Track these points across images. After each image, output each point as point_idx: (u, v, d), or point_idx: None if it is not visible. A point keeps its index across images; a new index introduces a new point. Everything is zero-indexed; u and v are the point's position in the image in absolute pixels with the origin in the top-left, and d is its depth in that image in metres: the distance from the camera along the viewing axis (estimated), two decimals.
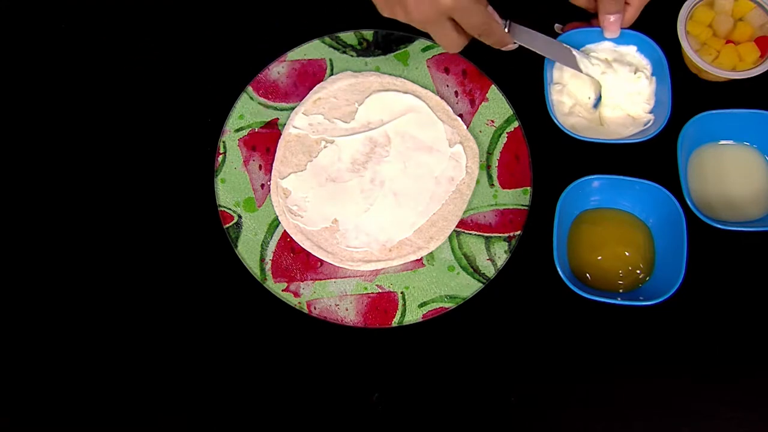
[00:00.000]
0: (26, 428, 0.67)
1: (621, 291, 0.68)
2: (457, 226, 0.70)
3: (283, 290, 0.68)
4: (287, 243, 0.70)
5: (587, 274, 0.68)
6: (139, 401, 0.67)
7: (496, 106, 0.73)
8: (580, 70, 0.70)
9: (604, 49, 0.73)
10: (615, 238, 0.69)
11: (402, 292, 0.68)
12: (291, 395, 0.67)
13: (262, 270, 0.69)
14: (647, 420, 0.65)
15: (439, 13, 0.60)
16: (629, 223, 0.69)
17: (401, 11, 0.61)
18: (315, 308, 0.68)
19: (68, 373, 0.68)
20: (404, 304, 0.68)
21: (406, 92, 0.73)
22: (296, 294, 0.68)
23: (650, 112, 0.71)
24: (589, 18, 0.72)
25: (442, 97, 0.73)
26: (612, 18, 0.68)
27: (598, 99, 0.72)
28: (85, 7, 0.77)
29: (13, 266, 0.71)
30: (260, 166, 0.72)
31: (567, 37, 0.71)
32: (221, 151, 0.72)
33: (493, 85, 0.73)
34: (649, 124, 0.71)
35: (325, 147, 0.72)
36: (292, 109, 0.73)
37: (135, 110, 0.74)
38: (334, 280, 0.69)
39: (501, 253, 0.69)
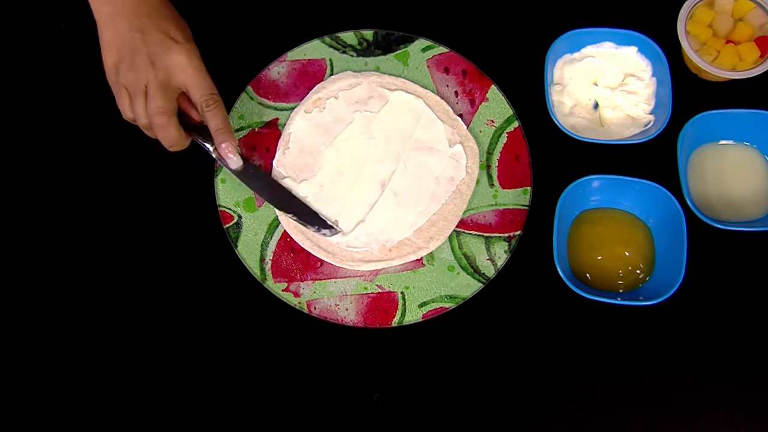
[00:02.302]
0: (26, 428, 0.67)
1: (621, 291, 0.68)
2: (457, 226, 0.70)
3: (283, 290, 0.68)
4: (287, 243, 0.70)
5: (587, 274, 0.68)
6: (140, 402, 0.67)
7: (496, 106, 0.73)
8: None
9: (604, 51, 0.73)
10: (615, 238, 0.69)
11: (402, 292, 0.68)
12: (291, 395, 0.67)
13: (262, 270, 0.69)
14: (647, 420, 0.65)
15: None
16: (629, 223, 0.69)
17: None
18: (315, 308, 0.68)
19: (68, 373, 0.68)
20: (404, 304, 0.68)
21: (406, 92, 0.73)
22: (296, 294, 0.68)
23: (650, 113, 0.71)
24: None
25: (442, 97, 0.73)
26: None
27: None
28: (85, 7, 0.77)
29: (14, 266, 0.71)
30: (260, 166, 0.72)
31: (568, 36, 0.72)
32: None
33: (493, 85, 0.73)
34: (650, 125, 0.71)
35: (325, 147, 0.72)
36: (292, 109, 0.73)
37: None
38: (334, 280, 0.69)
39: (501, 253, 0.69)
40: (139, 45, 0.61)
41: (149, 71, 0.61)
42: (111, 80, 0.63)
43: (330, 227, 0.69)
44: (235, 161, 0.67)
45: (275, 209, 0.70)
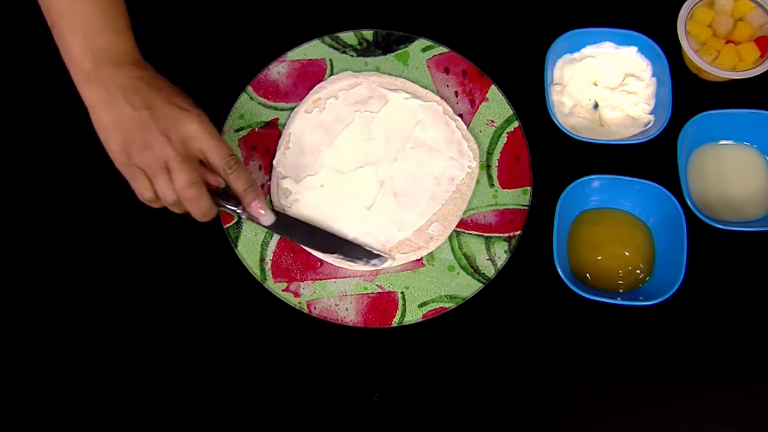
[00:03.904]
0: (26, 428, 0.67)
1: (621, 291, 0.68)
2: (457, 226, 0.70)
3: (283, 290, 0.68)
4: (287, 243, 0.70)
5: (587, 274, 0.68)
6: (140, 401, 0.67)
7: (496, 106, 0.73)
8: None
9: (604, 51, 0.73)
10: (615, 238, 0.69)
11: (402, 292, 0.68)
12: (291, 395, 0.67)
13: (262, 270, 0.69)
14: (647, 420, 0.65)
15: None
16: (629, 223, 0.69)
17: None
18: (315, 308, 0.68)
19: (68, 373, 0.68)
20: (404, 304, 0.68)
21: (406, 92, 0.73)
22: (296, 294, 0.68)
23: (650, 113, 0.71)
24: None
25: (442, 97, 0.73)
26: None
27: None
28: None
29: (13, 267, 0.71)
30: (260, 166, 0.72)
31: (568, 36, 0.72)
32: None
33: (493, 85, 0.73)
34: (650, 125, 0.71)
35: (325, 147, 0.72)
36: (292, 109, 0.73)
37: None
38: (334, 280, 0.69)
39: (501, 253, 0.69)
40: (148, 122, 0.59)
41: (166, 146, 0.58)
42: (121, 164, 0.60)
43: (378, 256, 0.68)
44: (267, 217, 0.66)
45: (318, 253, 0.68)
